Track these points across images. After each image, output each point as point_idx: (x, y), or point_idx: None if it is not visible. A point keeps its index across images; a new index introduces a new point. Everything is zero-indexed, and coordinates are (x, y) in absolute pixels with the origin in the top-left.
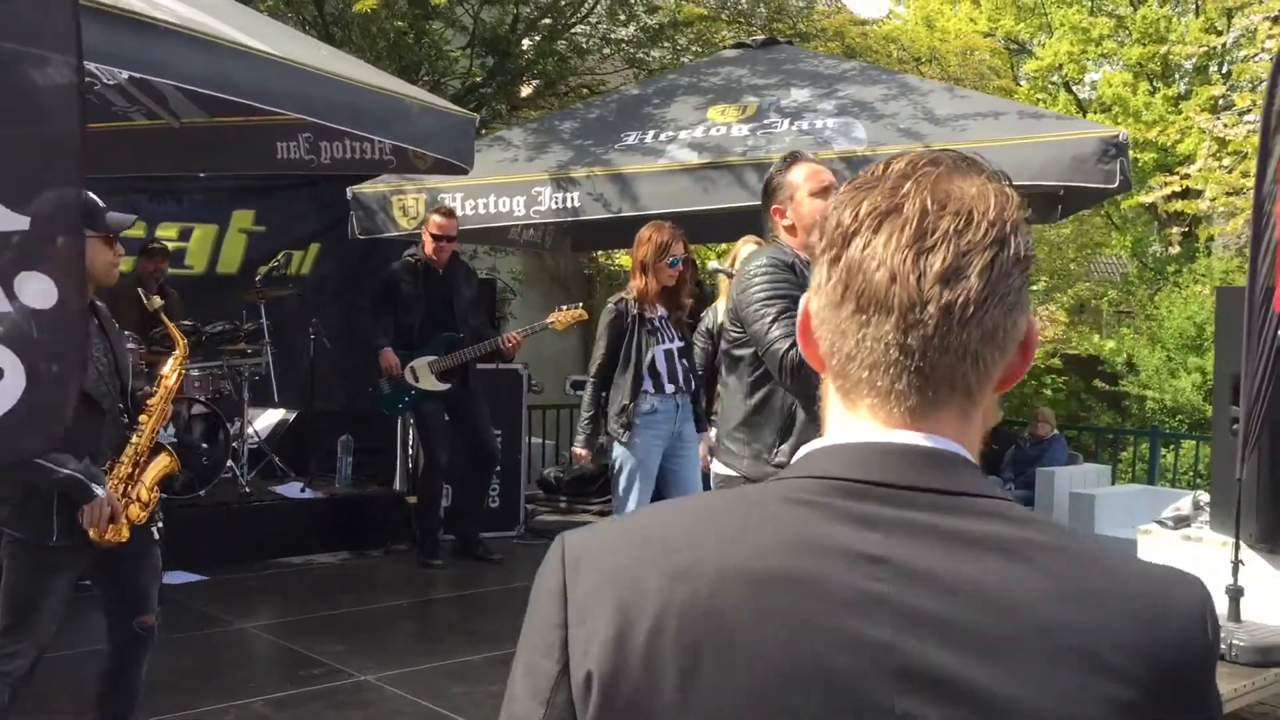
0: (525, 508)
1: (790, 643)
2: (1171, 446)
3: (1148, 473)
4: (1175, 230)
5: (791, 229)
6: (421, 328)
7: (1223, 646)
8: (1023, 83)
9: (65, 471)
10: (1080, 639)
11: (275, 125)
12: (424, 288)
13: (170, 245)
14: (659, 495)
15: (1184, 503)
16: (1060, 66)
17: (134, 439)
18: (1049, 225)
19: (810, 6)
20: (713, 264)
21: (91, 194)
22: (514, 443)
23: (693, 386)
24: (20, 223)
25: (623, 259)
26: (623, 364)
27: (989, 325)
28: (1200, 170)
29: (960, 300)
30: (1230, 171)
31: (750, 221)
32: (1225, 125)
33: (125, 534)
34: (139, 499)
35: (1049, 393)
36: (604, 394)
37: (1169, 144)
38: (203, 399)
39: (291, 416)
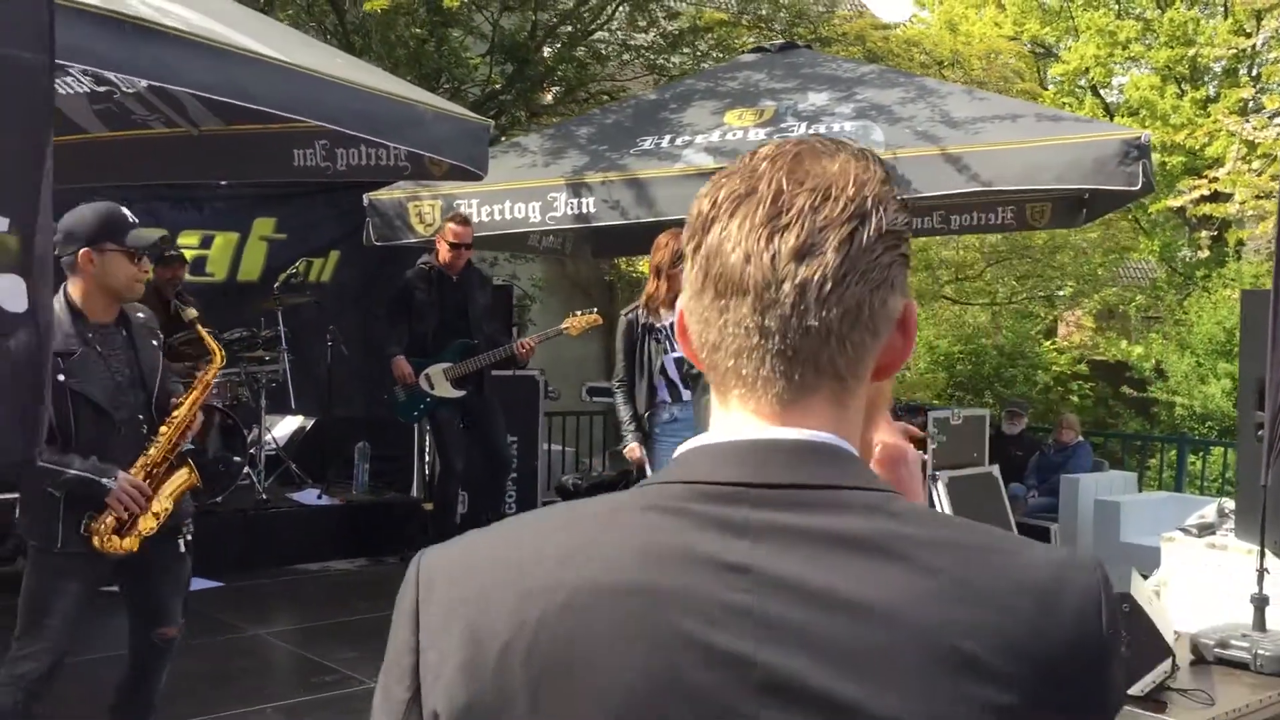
0: None
1: (648, 661)
2: (1200, 453)
3: (1175, 480)
4: (1204, 234)
5: None
6: (436, 335)
7: (1247, 656)
8: (1049, 87)
9: (72, 471)
10: (960, 643)
11: (292, 132)
12: (438, 295)
13: (191, 253)
14: None
15: (1209, 510)
16: (1087, 70)
17: (149, 450)
18: (1074, 230)
19: (831, 11)
20: None
21: (125, 209)
22: (531, 449)
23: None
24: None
25: (644, 265)
26: (637, 374)
27: (850, 303)
28: (1229, 173)
29: (816, 277)
30: (1260, 175)
31: None
32: (1255, 128)
33: (134, 545)
34: (152, 511)
35: (1075, 399)
36: (632, 397)
37: (1197, 147)
38: (221, 406)
39: (310, 423)
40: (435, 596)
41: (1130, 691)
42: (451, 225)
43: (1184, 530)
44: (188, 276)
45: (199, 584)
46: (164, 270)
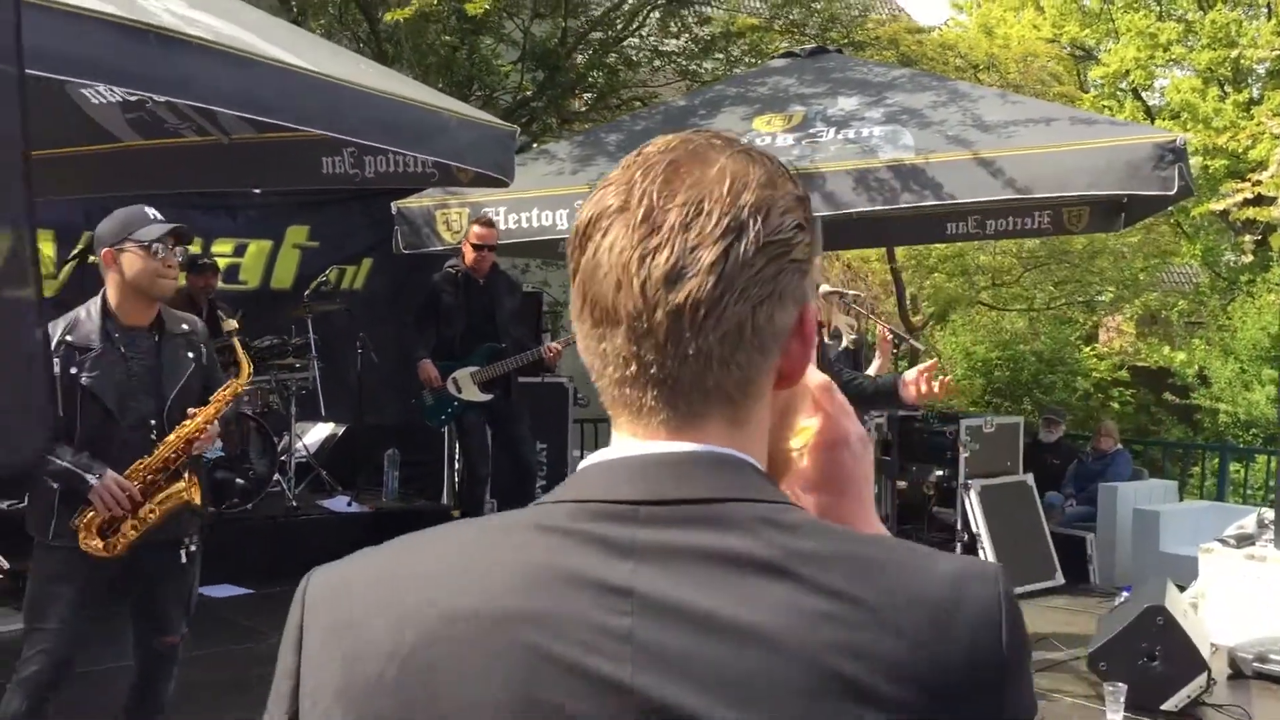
0: None
1: (523, 690)
2: (1243, 461)
3: (1217, 488)
4: (1248, 238)
5: None
6: (463, 339)
7: None
8: (1090, 90)
9: (60, 462)
10: (847, 666)
11: (321, 140)
12: (464, 298)
13: (225, 261)
14: None
15: (1248, 520)
16: (1127, 73)
17: (149, 455)
18: (1114, 234)
19: (864, 16)
20: (825, 287)
21: (149, 210)
22: (560, 456)
23: None
24: None
25: None
26: None
27: (730, 324)
28: (1272, 176)
29: (689, 302)
30: None
31: None
32: None
33: (110, 549)
34: (136, 516)
35: (1116, 405)
36: None
37: (1240, 150)
38: (251, 413)
39: (340, 430)
40: (318, 619)
41: (1164, 707)
42: (475, 227)
43: (1222, 541)
44: (221, 285)
45: (227, 591)
46: (197, 278)
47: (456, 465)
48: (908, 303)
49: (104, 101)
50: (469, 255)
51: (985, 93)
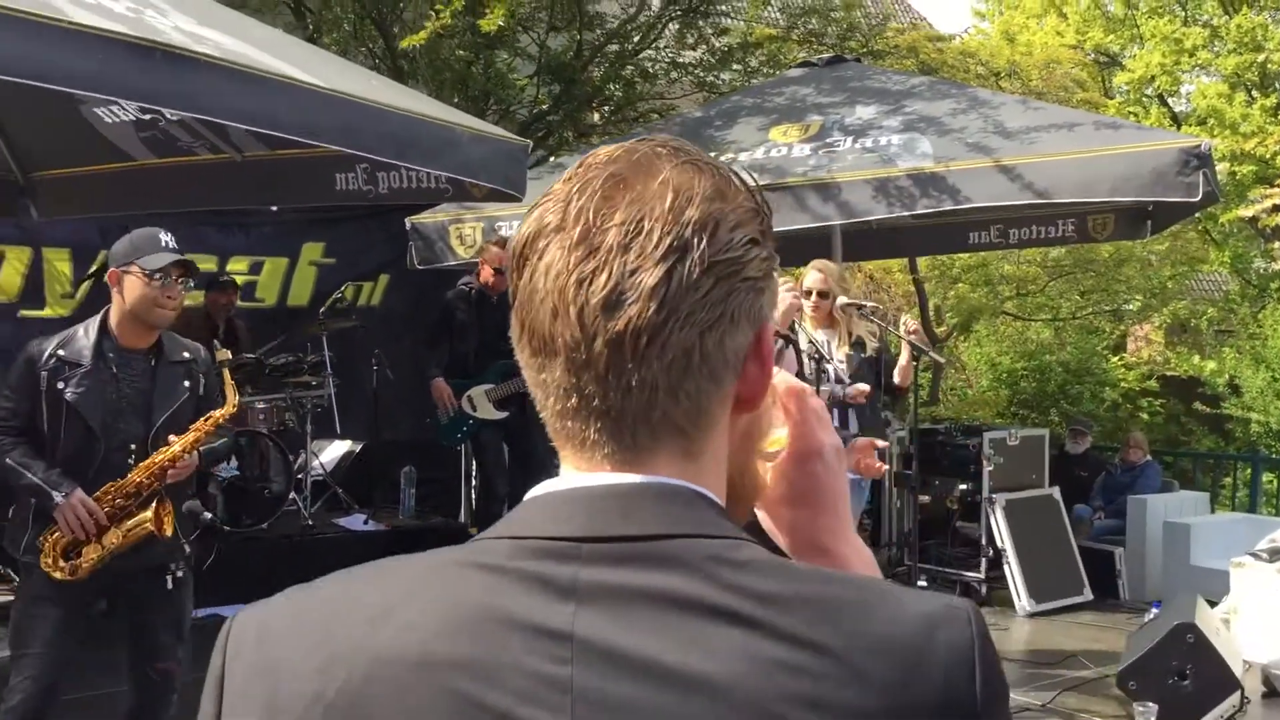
0: None
1: None
2: (1277, 472)
3: (1249, 500)
4: (1278, 245)
5: None
6: (477, 356)
7: None
8: (1115, 96)
9: (30, 477)
10: (805, 718)
11: (334, 156)
12: (478, 315)
13: (241, 279)
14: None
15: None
16: (1153, 79)
17: (122, 477)
18: (1139, 242)
19: (883, 24)
20: (843, 299)
21: (163, 234)
22: None
23: None
24: None
25: None
26: None
27: (676, 352)
28: None
29: (630, 330)
30: None
31: (814, 245)
32: None
33: (68, 573)
34: (99, 542)
35: (1146, 416)
36: None
37: (1268, 155)
38: (267, 431)
39: (357, 448)
40: (240, 663)
41: None
42: (495, 249)
43: (1254, 555)
44: (239, 302)
45: None
46: (218, 296)
47: (473, 482)
48: (931, 314)
49: (117, 120)
50: (487, 275)
51: (1006, 99)
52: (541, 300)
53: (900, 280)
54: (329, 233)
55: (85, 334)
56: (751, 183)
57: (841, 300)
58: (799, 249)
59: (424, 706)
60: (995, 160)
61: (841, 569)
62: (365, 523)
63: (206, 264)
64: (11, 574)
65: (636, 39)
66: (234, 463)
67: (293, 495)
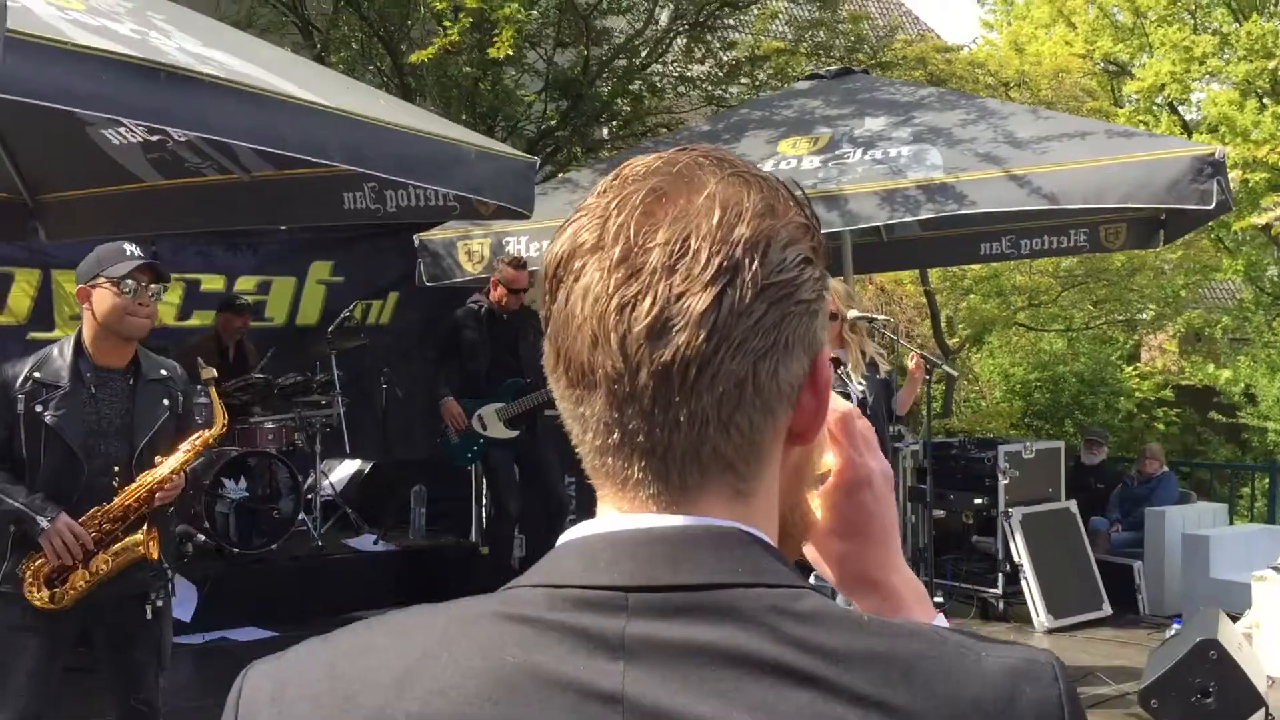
0: None
1: None
2: None
3: (1268, 510)
4: None
5: None
6: (488, 375)
7: None
8: (1125, 105)
9: (11, 502)
10: None
11: (342, 175)
12: (487, 333)
13: (250, 298)
14: None
15: None
16: (1163, 87)
17: (109, 501)
18: (1152, 251)
19: (891, 36)
20: (853, 313)
21: (128, 245)
22: (590, 491)
23: None
24: None
25: None
26: None
27: (728, 383)
28: None
29: (678, 360)
30: None
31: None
32: None
33: (55, 601)
34: (87, 567)
35: (1161, 426)
36: None
37: None
38: (276, 451)
39: (367, 467)
40: None
41: None
42: (507, 269)
43: (1275, 568)
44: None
45: (253, 634)
46: (233, 317)
47: (484, 502)
48: (943, 325)
49: (125, 142)
50: (498, 293)
51: (1016, 109)
52: (579, 327)
53: (911, 292)
54: (337, 251)
55: (60, 355)
56: (801, 195)
57: (852, 314)
58: None
59: None
60: (1006, 170)
61: (893, 602)
62: (375, 543)
63: (214, 284)
64: None
65: (644, 54)
66: (243, 483)
67: (302, 516)
